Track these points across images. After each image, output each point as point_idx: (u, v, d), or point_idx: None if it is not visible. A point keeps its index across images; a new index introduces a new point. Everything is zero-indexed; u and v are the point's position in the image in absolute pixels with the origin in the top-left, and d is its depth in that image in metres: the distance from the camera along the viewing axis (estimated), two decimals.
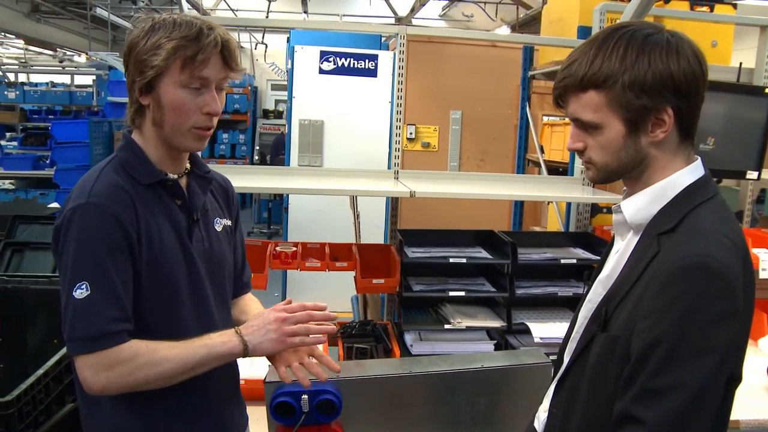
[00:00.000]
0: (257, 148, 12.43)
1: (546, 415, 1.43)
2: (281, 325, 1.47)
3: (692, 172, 1.24)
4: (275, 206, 10.50)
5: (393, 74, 5.83)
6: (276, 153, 10.46)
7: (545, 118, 5.18)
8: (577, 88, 1.23)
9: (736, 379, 1.14)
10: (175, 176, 1.52)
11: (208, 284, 1.55)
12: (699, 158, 1.27)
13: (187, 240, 1.50)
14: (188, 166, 1.57)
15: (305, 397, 1.67)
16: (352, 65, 5.92)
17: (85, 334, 1.33)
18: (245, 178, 3.05)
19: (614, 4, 2.98)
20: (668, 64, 1.16)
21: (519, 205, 3.90)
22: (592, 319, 1.29)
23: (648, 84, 1.17)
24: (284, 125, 11.19)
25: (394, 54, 2.86)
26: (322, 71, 5.89)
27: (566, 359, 1.39)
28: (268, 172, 3.33)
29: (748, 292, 1.13)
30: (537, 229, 4.51)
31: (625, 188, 1.34)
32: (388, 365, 2.04)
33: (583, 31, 3.00)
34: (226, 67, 1.45)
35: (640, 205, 1.26)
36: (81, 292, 1.33)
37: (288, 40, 6.58)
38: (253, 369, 2.30)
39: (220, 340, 1.43)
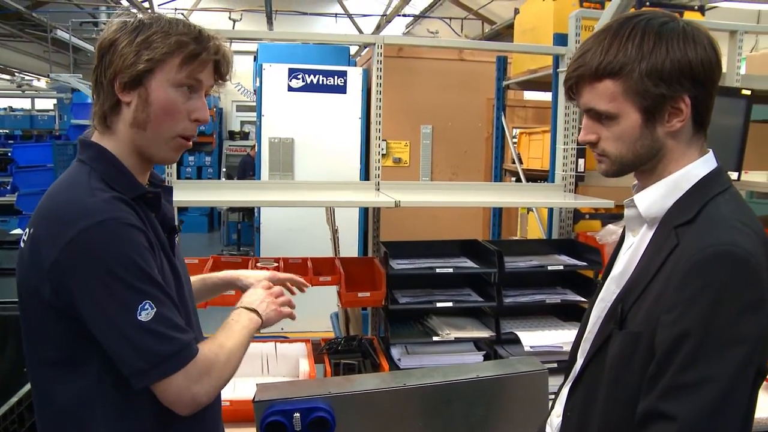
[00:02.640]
0: (224, 170, 12.33)
1: (560, 420, 1.38)
2: (273, 297, 1.56)
3: (706, 163, 1.23)
4: (245, 228, 10.39)
5: (362, 88, 5.87)
6: (243, 174, 10.39)
7: (515, 131, 5.20)
8: (592, 78, 1.20)
9: (762, 372, 1.11)
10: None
11: (188, 297, 1.47)
12: (711, 150, 1.25)
13: (171, 255, 1.41)
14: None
15: (297, 415, 1.61)
16: (321, 82, 5.91)
17: (172, 350, 1.23)
18: (219, 194, 2.98)
19: (590, 11, 3.00)
20: (686, 52, 1.15)
21: (497, 216, 3.88)
22: (608, 317, 1.26)
23: (666, 72, 1.15)
24: (250, 146, 11.18)
25: (373, 62, 2.81)
26: (291, 89, 5.87)
27: (580, 361, 1.34)
28: (242, 186, 3.27)
29: None
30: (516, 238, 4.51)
31: (635, 183, 1.31)
32: (380, 379, 1.98)
33: (560, 39, 3.00)
34: (218, 76, 1.38)
35: (654, 198, 1.23)
36: (147, 313, 1.21)
37: (255, 59, 6.54)
38: (236, 392, 2.22)
39: (248, 319, 1.47)
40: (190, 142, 1.38)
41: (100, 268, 1.19)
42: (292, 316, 1.61)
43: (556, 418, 1.41)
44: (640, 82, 1.16)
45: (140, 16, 1.33)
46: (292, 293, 1.81)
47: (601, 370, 1.24)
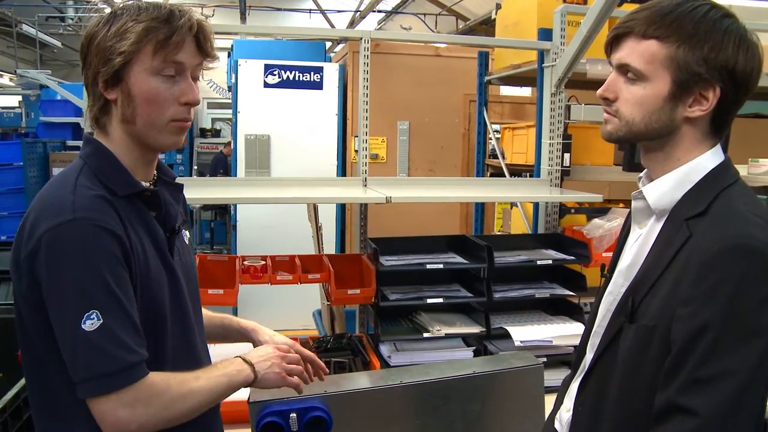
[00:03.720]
0: (195, 167, 12.16)
1: (570, 414, 1.37)
2: (282, 361, 1.43)
3: (714, 156, 1.23)
4: (218, 226, 10.26)
5: (339, 84, 5.84)
6: (214, 172, 10.25)
7: (493, 126, 5.21)
8: (640, 34, 1.19)
9: None
10: (150, 185, 1.37)
11: (189, 303, 1.42)
12: (719, 143, 1.25)
13: (168, 256, 1.36)
14: (154, 172, 1.42)
15: (294, 415, 1.58)
16: (297, 78, 5.87)
17: (108, 369, 1.16)
18: (204, 191, 2.92)
19: (575, 6, 3.01)
20: (737, 52, 1.15)
21: (480, 211, 3.88)
22: (617, 310, 1.25)
23: (711, 59, 1.15)
24: (223, 144, 11.05)
25: (360, 57, 2.78)
26: (267, 85, 5.82)
27: (589, 354, 1.34)
28: (222, 183, 3.22)
29: None
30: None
31: (641, 175, 1.31)
32: (376, 377, 1.96)
33: (544, 33, 3.01)
34: (201, 52, 1.32)
35: (664, 190, 1.23)
36: (92, 323, 1.16)
37: (229, 55, 6.46)
38: None
39: (235, 369, 1.36)
40: (188, 124, 1.34)
41: (58, 267, 1.17)
42: (298, 389, 1.50)
43: (565, 413, 1.41)
44: (684, 56, 1.16)
45: (114, 6, 1.30)
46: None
47: (613, 364, 1.23)
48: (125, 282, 1.22)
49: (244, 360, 1.39)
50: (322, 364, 1.62)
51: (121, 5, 1.29)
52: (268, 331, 1.65)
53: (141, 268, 1.27)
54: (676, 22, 1.16)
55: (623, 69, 1.23)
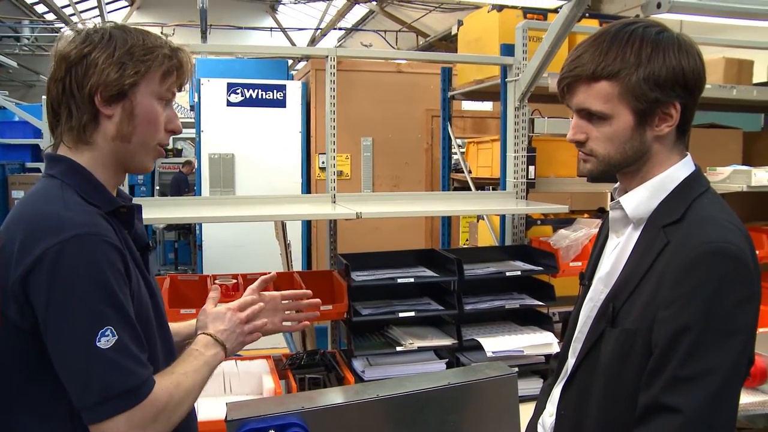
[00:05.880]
0: (157, 188, 12.04)
1: (552, 419, 1.41)
2: (243, 325, 1.47)
3: (686, 165, 1.29)
4: (182, 246, 10.15)
5: (302, 102, 5.85)
6: (176, 192, 10.18)
7: (457, 141, 5.27)
8: (589, 78, 1.24)
9: (751, 360, 1.17)
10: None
11: (164, 314, 1.43)
12: (689, 153, 1.30)
13: (146, 271, 1.37)
14: None
15: None
16: (260, 96, 5.87)
17: (124, 387, 1.15)
18: (176, 210, 2.89)
19: (536, 23, 3.08)
20: (680, 61, 1.21)
21: (447, 225, 3.92)
22: (598, 316, 1.30)
23: (662, 78, 1.20)
24: (182, 164, 10.97)
25: (326, 75, 2.80)
26: (230, 103, 5.82)
27: (571, 360, 1.38)
28: (193, 203, 3.19)
29: (757, 276, 1.17)
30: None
31: (616, 186, 1.36)
32: (352, 391, 1.96)
33: (507, 49, 3.07)
34: (178, 87, 1.37)
35: (640, 199, 1.28)
36: (107, 340, 1.14)
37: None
38: (201, 412, 2.15)
39: (211, 353, 1.38)
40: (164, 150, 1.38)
41: (65, 286, 1.14)
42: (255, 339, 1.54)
43: (548, 417, 1.44)
44: (637, 86, 1.20)
45: (106, 26, 1.30)
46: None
47: (595, 368, 1.27)
48: (128, 295, 1.22)
49: (216, 340, 1.41)
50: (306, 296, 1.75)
51: (117, 25, 1.30)
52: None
53: (133, 284, 1.26)
54: (619, 57, 1.21)
55: (583, 112, 1.28)
